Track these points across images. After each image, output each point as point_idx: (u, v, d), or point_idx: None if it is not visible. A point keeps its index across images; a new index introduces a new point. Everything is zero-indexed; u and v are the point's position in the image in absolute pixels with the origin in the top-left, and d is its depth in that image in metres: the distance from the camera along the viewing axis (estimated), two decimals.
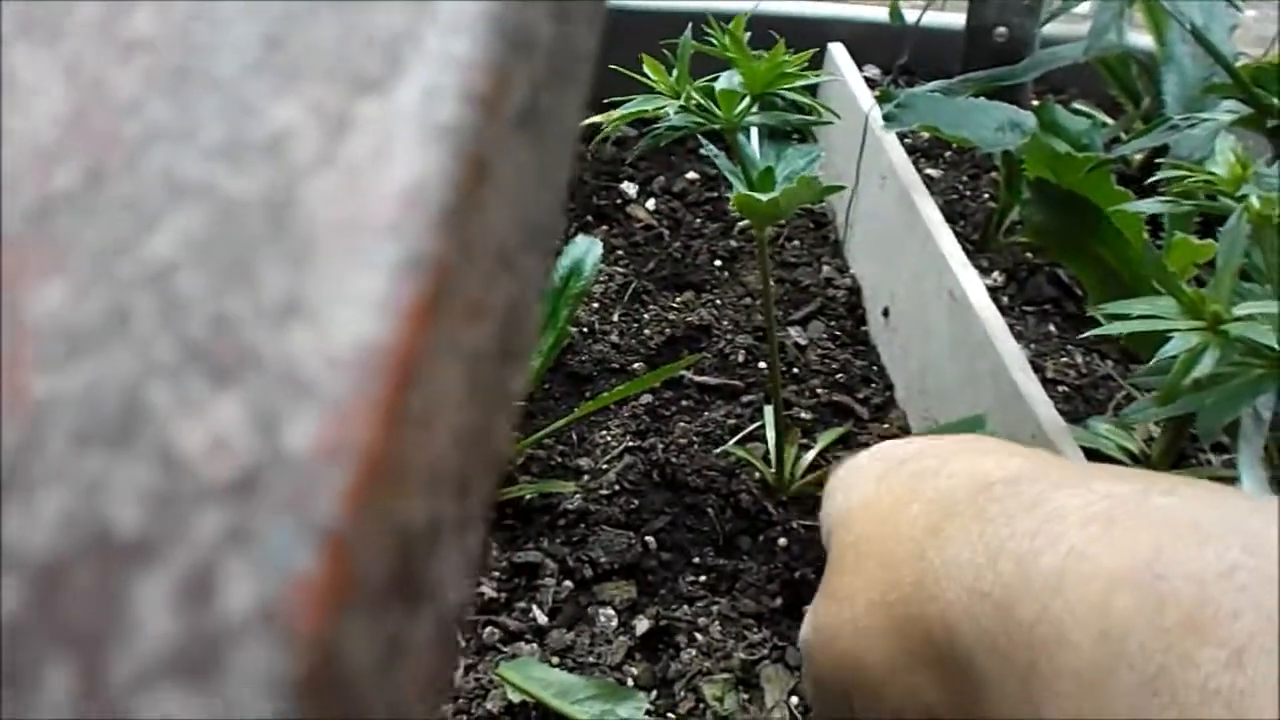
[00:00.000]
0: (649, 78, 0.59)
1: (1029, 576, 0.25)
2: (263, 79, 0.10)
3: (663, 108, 0.62)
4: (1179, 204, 0.42)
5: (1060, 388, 0.71)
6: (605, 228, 0.91)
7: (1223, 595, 0.21)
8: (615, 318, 0.83)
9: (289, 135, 0.09)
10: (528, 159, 0.11)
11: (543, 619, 0.64)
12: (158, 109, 0.09)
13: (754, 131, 0.66)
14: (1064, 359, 0.73)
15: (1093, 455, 0.62)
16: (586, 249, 0.68)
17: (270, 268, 0.08)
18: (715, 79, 0.61)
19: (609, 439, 0.74)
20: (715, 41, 0.60)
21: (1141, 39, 0.83)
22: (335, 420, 0.08)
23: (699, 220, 0.92)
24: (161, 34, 0.10)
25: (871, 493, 0.35)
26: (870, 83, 0.89)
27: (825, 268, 0.86)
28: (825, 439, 0.72)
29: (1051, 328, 0.75)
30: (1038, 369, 0.70)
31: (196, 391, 0.08)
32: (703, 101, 0.61)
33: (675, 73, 0.61)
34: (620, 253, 0.89)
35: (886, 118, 0.58)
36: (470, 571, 0.12)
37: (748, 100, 0.61)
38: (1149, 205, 0.43)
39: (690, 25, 0.61)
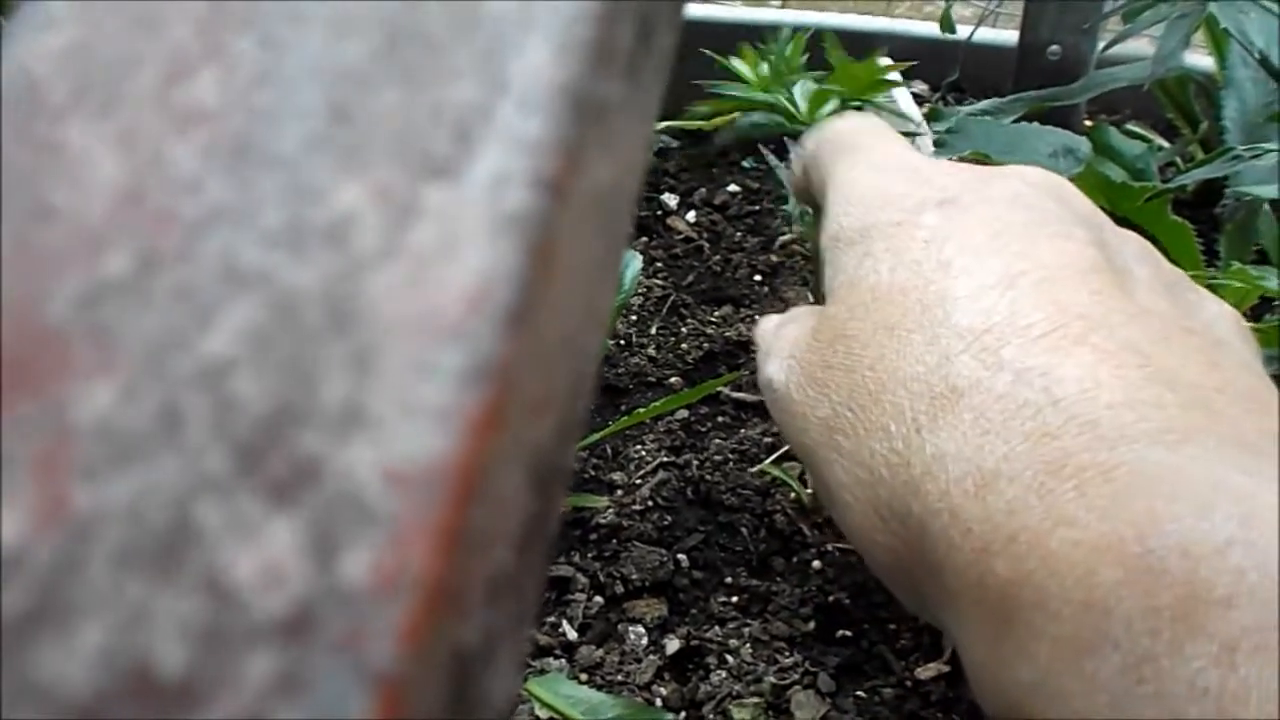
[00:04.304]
0: (740, 70, 0.57)
1: (1013, 530, 0.23)
2: (326, 157, 0.09)
3: (744, 99, 0.60)
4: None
5: None
6: (645, 239, 0.91)
7: (1216, 576, 0.19)
8: (653, 330, 0.82)
9: (352, 222, 0.09)
10: (594, 237, 0.11)
11: (572, 635, 0.63)
12: (217, 187, 0.09)
13: None
14: None
15: None
16: (626, 262, 0.67)
17: (330, 371, 0.08)
18: None
19: (643, 454, 0.73)
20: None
21: (1201, 60, 0.81)
22: (394, 547, 0.07)
23: (740, 234, 0.91)
24: (224, 102, 0.09)
25: (885, 276, 0.29)
26: (918, 99, 0.88)
27: None
28: None
29: None
30: None
31: (250, 511, 0.07)
32: (781, 102, 0.59)
33: (768, 69, 0.60)
34: (659, 265, 0.88)
35: (936, 144, 0.57)
36: (521, 665, 0.11)
37: (836, 104, 0.60)
38: None
39: (744, 38, 0.60)
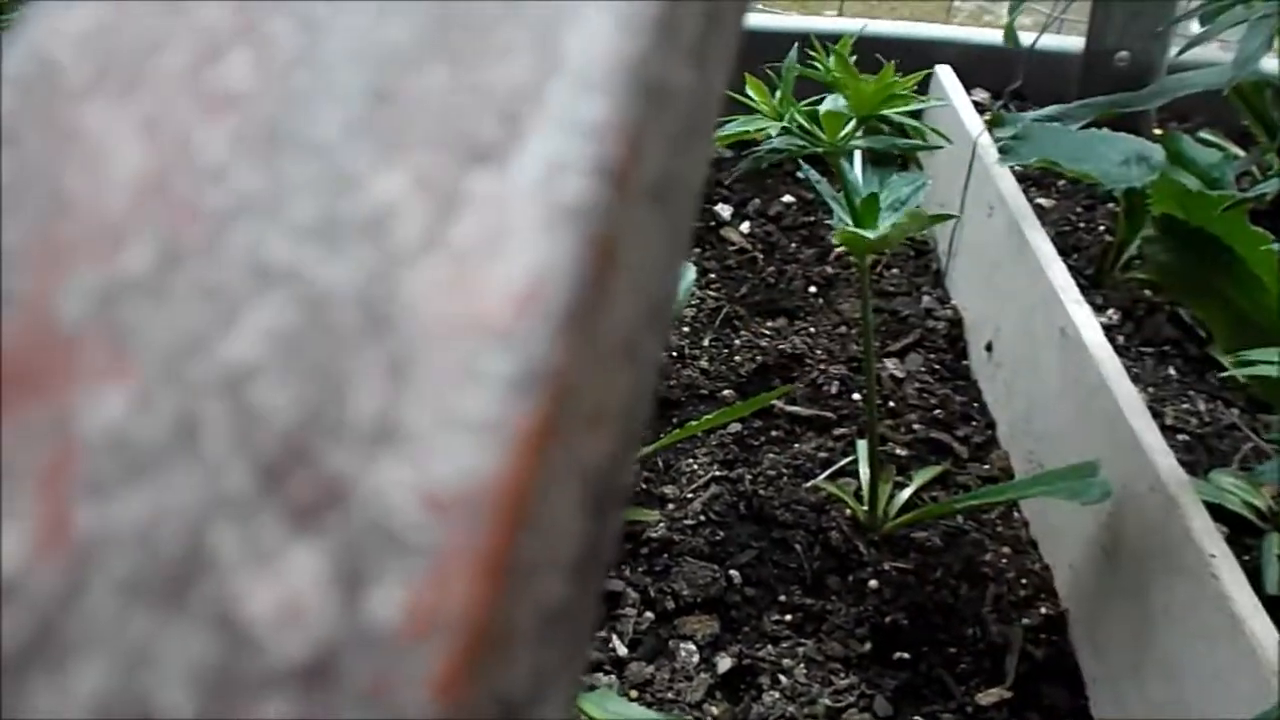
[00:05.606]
0: (751, 98, 0.57)
1: None
2: (365, 142, 0.08)
3: (765, 129, 0.60)
4: None
5: (1180, 436, 0.66)
6: (698, 250, 0.90)
7: None
8: (706, 343, 0.81)
9: (391, 213, 0.08)
10: (656, 232, 0.10)
11: (622, 650, 0.62)
12: (246, 176, 0.08)
13: (857, 156, 0.64)
14: (1185, 405, 0.68)
15: (1215, 510, 0.58)
16: (680, 273, 0.66)
17: (363, 379, 0.07)
18: (818, 101, 0.60)
19: (696, 467, 0.72)
20: (819, 64, 0.58)
21: (1277, 65, 0.78)
22: (430, 583, 0.06)
23: (794, 245, 0.90)
24: (256, 85, 0.09)
25: None
26: (979, 107, 0.86)
27: (925, 298, 0.83)
28: (921, 477, 0.69)
29: (1172, 371, 0.71)
30: (1156, 414, 0.66)
31: (269, 537, 0.06)
32: (806, 124, 0.59)
33: (779, 94, 0.59)
34: (712, 276, 0.87)
35: (1002, 150, 0.55)
36: (574, 698, 0.10)
37: (853, 123, 0.59)
38: None
39: (795, 46, 0.59)
